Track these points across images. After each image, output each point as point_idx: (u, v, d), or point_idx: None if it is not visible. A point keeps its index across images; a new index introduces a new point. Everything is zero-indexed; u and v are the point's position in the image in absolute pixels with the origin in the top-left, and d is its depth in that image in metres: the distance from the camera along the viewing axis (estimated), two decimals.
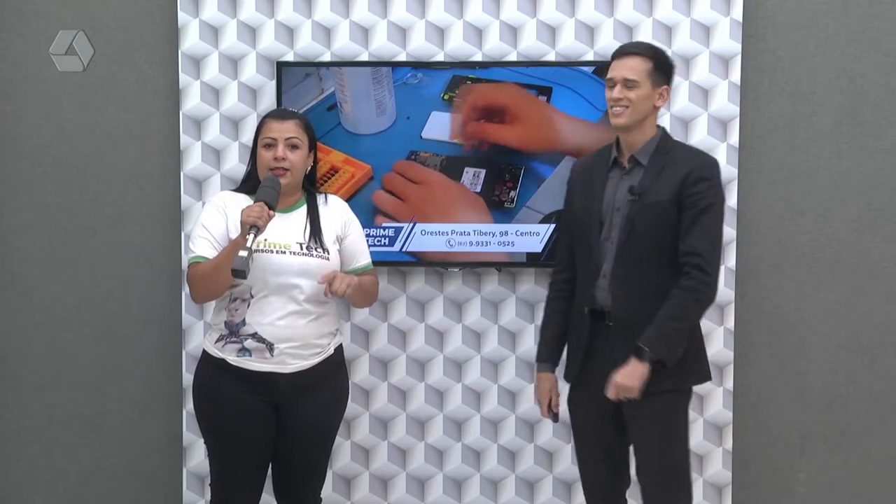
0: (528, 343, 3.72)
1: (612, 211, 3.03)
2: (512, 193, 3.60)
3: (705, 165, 2.98)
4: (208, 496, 3.73)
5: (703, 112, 3.62)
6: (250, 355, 3.00)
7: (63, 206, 3.77)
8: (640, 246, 2.97)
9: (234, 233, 2.97)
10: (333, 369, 3.13)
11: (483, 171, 3.60)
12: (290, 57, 3.66)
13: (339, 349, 3.17)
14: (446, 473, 3.79)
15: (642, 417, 3.00)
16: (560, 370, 3.22)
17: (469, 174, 3.61)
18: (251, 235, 2.83)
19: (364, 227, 3.41)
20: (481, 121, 3.58)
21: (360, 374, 3.74)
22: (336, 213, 3.15)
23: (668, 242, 2.96)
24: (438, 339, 3.74)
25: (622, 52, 3.04)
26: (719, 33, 3.61)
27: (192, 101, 3.68)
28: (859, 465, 3.75)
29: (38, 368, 3.83)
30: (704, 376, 3.10)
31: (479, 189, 3.61)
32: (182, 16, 3.66)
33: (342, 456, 3.77)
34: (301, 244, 3.03)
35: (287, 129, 3.04)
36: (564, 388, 3.22)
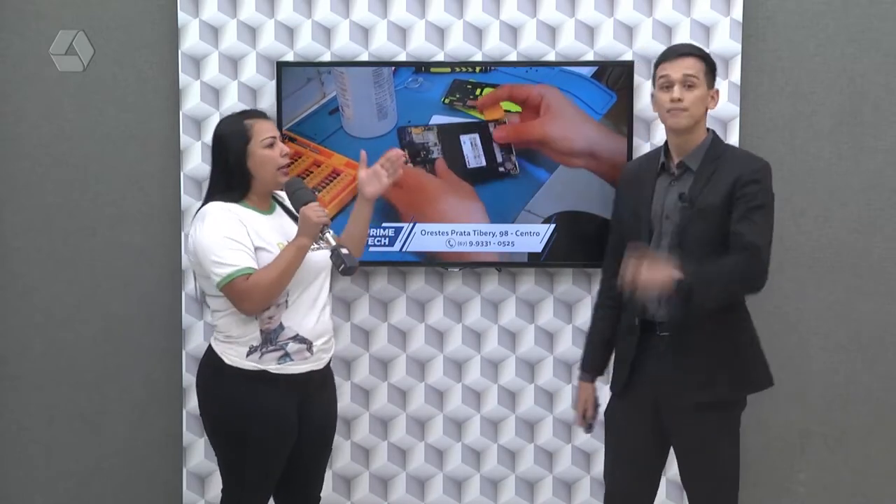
0: (529, 343, 3.72)
1: (662, 219, 2.95)
2: (513, 157, 3.58)
3: (757, 169, 2.88)
4: (208, 496, 3.75)
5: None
6: (291, 359, 2.97)
7: (63, 206, 3.77)
8: (694, 254, 2.86)
9: (259, 241, 2.94)
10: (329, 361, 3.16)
11: (477, 136, 3.58)
12: (290, 57, 3.66)
13: None
14: (446, 473, 3.79)
15: (689, 435, 2.92)
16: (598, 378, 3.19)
17: (467, 144, 3.59)
18: (330, 233, 2.89)
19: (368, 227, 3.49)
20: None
21: (360, 374, 3.74)
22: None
23: (722, 249, 2.85)
24: (438, 339, 3.75)
25: (676, 54, 2.95)
26: (719, 33, 3.61)
27: (192, 101, 3.68)
28: (859, 465, 3.75)
29: (38, 368, 3.83)
30: (760, 383, 2.99)
31: (483, 163, 3.59)
32: (182, 16, 3.66)
33: (342, 456, 3.77)
34: None
35: (275, 128, 3.06)
36: (605, 395, 3.16)
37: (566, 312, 3.69)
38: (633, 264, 2.76)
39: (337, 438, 3.74)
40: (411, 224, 3.63)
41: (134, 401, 3.82)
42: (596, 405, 3.16)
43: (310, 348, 2.99)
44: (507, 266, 3.68)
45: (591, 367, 3.16)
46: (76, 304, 3.80)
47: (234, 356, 2.97)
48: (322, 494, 3.68)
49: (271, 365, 2.96)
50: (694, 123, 2.93)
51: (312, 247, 2.95)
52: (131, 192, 3.76)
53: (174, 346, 3.76)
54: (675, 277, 2.74)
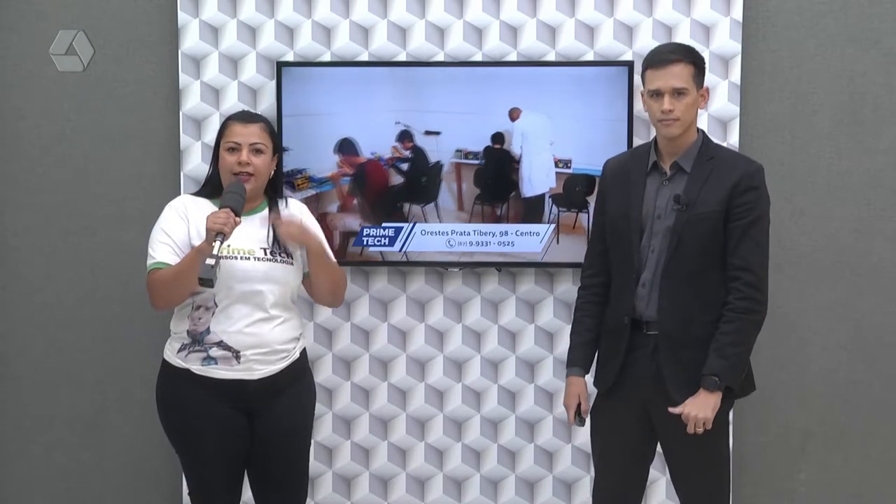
0: (528, 343, 3.72)
1: (653, 218, 2.93)
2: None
3: (753, 173, 2.88)
4: None
5: (704, 112, 3.61)
6: (216, 363, 2.90)
7: (63, 206, 3.77)
8: (688, 258, 2.88)
9: (197, 239, 2.87)
10: (299, 373, 3.05)
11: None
12: (290, 57, 3.66)
13: (304, 353, 3.09)
14: (446, 473, 3.79)
15: (678, 434, 2.90)
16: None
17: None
18: (217, 243, 2.74)
19: (366, 226, 3.51)
20: None
21: (359, 374, 3.74)
22: (296, 216, 3.04)
23: (717, 253, 2.87)
24: (438, 339, 3.74)
25: (663, 60, 2.88)
26: (719, 33, 3.61)
27: (192, 101, 3.68)
28: (859, 465, 3.75)
29: (38, 368, 3.82)
30: (749, 388, 3.01)
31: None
32: (182, 16, 3.66)
33: (342, 456, 3.77)
34: (265, 249, 2.94)
35: (251, 134, 2.95)
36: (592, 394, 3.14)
37: (566, 312, 3.69)
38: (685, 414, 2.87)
39: (337, 438, 3.75)
40: (411, 224, 3.63)
41: (134, 401, 3.82)
42: (587, 399, 3.11)
43: (237, 357, 2.90)
44: (507, 266, 3.68)
45: (578, 362, 3.11)
46: (76, 304, 3.80)
47: (170, 351, 2.99)
48: (322, 494, 3.68)
49: (195, 365, 2.92)
50: (688, 128, 2.92)
51: (255, 257, 2.91)
52: (131, 192, 3.76)
53: None
54: (718, 394, 2.85)
